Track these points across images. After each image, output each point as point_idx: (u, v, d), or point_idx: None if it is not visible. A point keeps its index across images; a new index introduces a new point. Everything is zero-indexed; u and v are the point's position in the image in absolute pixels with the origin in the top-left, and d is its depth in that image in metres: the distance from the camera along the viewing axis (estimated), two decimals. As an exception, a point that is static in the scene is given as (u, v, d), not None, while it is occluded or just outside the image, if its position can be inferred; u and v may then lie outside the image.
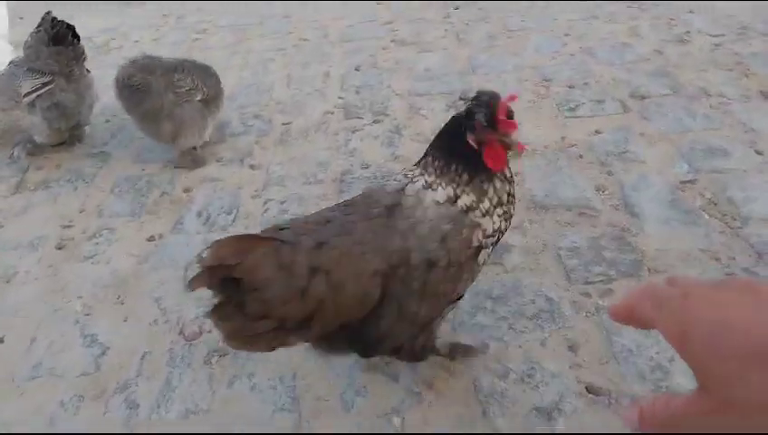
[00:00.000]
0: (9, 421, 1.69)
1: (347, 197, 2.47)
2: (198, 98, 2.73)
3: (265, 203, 2.51)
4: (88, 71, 2.97)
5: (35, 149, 3.01)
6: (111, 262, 2.25)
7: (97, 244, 2.36)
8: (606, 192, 2.36)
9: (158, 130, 2.72)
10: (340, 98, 3.25)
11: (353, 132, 2.93)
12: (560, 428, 1.54)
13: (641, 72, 3.16)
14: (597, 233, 2.16)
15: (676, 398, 0.49)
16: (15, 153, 2.99)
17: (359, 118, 3.05)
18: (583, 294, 1.92)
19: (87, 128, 3.14)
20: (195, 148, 2.81)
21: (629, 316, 0.55)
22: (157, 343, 1.89)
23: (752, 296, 0.46)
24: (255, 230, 2.32)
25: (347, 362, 1.76)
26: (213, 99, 2.81)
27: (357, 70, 3.53)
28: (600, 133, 2.72)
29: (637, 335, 1.76)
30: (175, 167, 2.80)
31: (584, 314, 1.85)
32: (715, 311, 0.46)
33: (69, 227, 2.48)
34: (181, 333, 1.91)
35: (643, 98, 2.93)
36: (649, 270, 1.98)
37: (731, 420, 0.41)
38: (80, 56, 2.89)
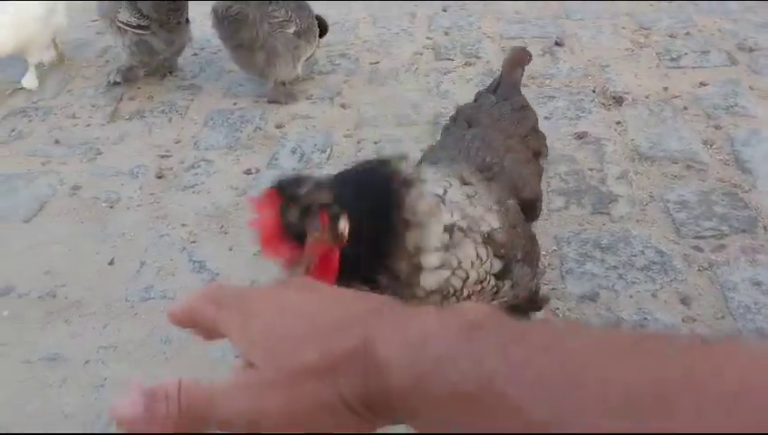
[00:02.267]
0: (127, 340, 1.75)
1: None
2: (292, 30, 2.71)
3: (359, 142, 2.50)
4: (188, 21, 3.00)
5: (129, 75, 3.05)
6: (211, 193, 2.28)
7: (196, 174, 2.39)
8: (714, 146, 2.28)
9: (252, 60, 2.73)
10: (428, 38, 3.20)
11: (444, 74, 2.88)
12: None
13: (748, 23, 3.01)
14: (706, 187, 2.09)
15: (200, 381, 0.45)
16: (111, 78, 3.05)
17: (449, 60, 2.99)
18: (694, 248, 1.87)
19: (180, 60, 3.16)
20: (284, 83, 2.80)
21: (190, 318, 0.50)
22: (262, 272, 1.92)
23: (309, 291, 0.48)
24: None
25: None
26: (305, 32, 2.78)
27: (444, 11, 3.45)
28: (705, 86, 2.62)
29: (754, 292, 1.72)
30: (268, 101, 2.80)
31: (696, 268, 1.81)
32: (273, 301, 0.47)
33: (166, 157, 2.51)
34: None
35: (751, 50, 2.80)
36: (765, 228, 1.92)
37: (279, 387, 0.41)
38: (180, 8, 2.91)
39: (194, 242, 2.06)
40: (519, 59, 1.70)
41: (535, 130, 1.58)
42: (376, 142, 2.49)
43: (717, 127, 2.36)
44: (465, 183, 1.11)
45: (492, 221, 1.10)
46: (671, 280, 1.78)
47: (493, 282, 1.11)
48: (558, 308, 1.70)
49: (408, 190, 0.92)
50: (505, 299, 1.19)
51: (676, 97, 2.56)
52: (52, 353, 1.73)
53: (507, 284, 1.16)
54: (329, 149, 2.48)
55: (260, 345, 0.44)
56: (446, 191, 1.04)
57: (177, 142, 2.60)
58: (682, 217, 1.98)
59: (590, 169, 2.19)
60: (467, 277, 1.04)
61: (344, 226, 0.81)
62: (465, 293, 1.06)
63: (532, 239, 1.30)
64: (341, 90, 2.87)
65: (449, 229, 1.00)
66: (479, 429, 0.37)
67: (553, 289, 1.74)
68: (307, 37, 2.82)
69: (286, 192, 0.79)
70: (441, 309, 0.42)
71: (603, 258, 1.85)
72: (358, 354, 0.40)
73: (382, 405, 0.40)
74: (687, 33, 2.99)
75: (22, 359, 1.72)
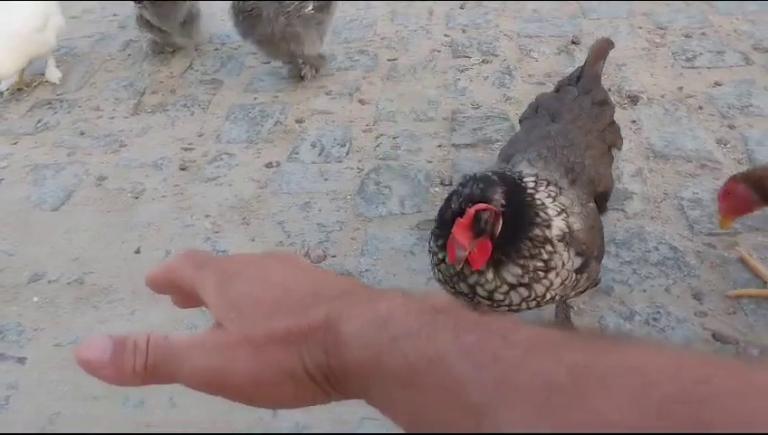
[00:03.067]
0: (153, 326, 1.80)
1: (459, 135, 2.50)
2: (309, 8, 2.76)
3: (377, 138, 2.55)
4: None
5: (157, 47, 3.27)
6: (234, 185, 2.34)
7: (218, 167, 2.45)
8: (728, 145, 2.31)
9: (277, 51, 2.80)
10: (446, 36, 3.23)
11: (462, 72, 2.92)
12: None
13: (765, 24, 3.03)
14: (720, 185, 2.12)
15: (169, 337, 0.45)
16: (145, 46, 3.29)
17: (466, 57, 3.03)
18: (707, 245, 1.91)
19: (198, 52, 3.24)
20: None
21: (168, 279, 0.51)
22: (284, 263, 1.97)
23: (290, 265, 0.49)
24: (369, 164, 2.38)
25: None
26: (323, 5, 2.83)
27: (461, 8, 3.49)
28: (720, 85, 2.64)
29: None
30: (302, 75, 2.89)
31: (709, 264, 1.85)
32: (255, 267, 0.48)
33: (189, 149, 2.57)
34: (307, 255, 1.99)
35: (767, 51, 2.82)
36: (776, 225, 1.95)
37: (245, 351, 0.42)
38: None
39: (217, 232, 2.11)
40: (602, 50, 1.77)
41: (611, 124, 1.67)
42: (394, 138, 2.54)
43: (731, 127, 2.39)
44: (561, 192, 1.30)
45: (575, 223, 1.27)
46: (684, 275, 1.81)
47: (574, 277, 1.28)
48: (573, 301, 1.74)
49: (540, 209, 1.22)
50: (581, 290, 1.38)
51: (691, 97, 2.59)
52: (82, 338, 1.79)
53: (584, 277, 1.32)
54: (348, 144, 2.53)
55: (233, 308, 0.45)
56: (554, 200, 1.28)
57: (199, 135, 2.65)
58: (695, 215, 2.01)
59: (606, 167, 2.22)
60: (551, 284, 1.25)
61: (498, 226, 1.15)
62: (549, 296, 1.27)
63: (602, 234, 1.44)
64: (360, 86, 2.92)
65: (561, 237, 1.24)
66: (423, 407, 0.38)
67: (568, 283, 1.78)
68: (327, 8, 2.86)
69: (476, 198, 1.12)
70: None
71: (618, 253, 1.89)
72: (321, 328, 0.41)
73: (340, 379, 0.41)
74: (703, 34, 3.02)
75: (53, 343, 1.79)
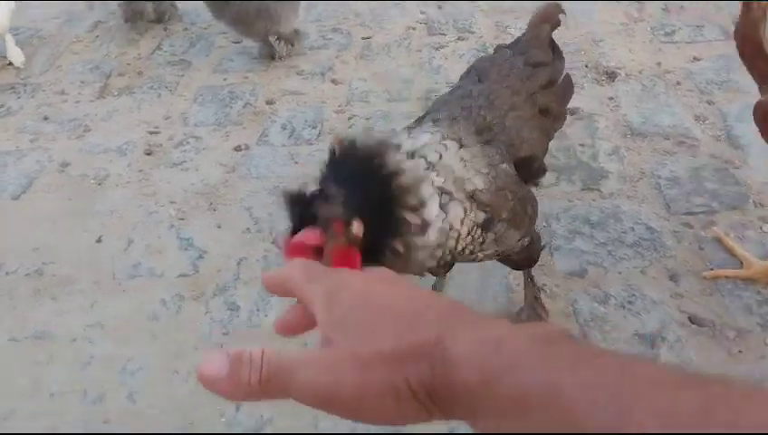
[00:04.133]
0: (114, 317, 1.74)
1: (434, 115, 2.43)
2: None
3: (350, 119, 2.48)
4: None
5: (134, 16, 3.23)
6: (200, 169, 2.27)
7: (185, 151, 2.37)
8: (706, 122, 2.26)
9: (251, 30, 2.73)
10: (421, 12, 3.15)
11: (437, 49, 2.85)
12: (663, 356, 1.52)
13: (744, -3, 2.97)
14: (697, 163, 2.08)
15: (281, 352, 0.45)
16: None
17: (442, 34, 2.96)
18: (684, 225, 1.86)
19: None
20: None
21: (281, 285, 0.53)
22: (251, 249, 1.91)
23: (391, 284, 0.50)
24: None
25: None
26: None
27: (438, -16, 3.40)
28: (698, 60, 2.59)
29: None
30: (276, 57, 2.82)
31: (686, 244, 1.80)
32: (363, 284, 0.50)
33: (155, 133, 2.49)
34: (274, 242, 1.93)
35: (747, 24, 2.76)
36: (755, 204, 1.91)
37: (353, 368, 0.43)
38: None
39: (182, 219, 2.04)
40: (547, 15, 1.65)
41: (547, 88, 1.53)
42: (367, 119, 2.47)
43: (710, 102, 2.35)
44: (462, 145, 1.21)
45: (478, 183, 1.19)
46: (660, 256, 1.77)
47: (479, 232, 1.20)
48: (546, 284, 1.70)
49: (400, 177, 0.99)
50: (490, 252, 1.30)
51: (669, 72, 2.53)
52: (39, 331, 1.72)
53: (490, 236, 1.24)
54: (319, 126, 2.46)
55: (339, 325, 0.46)
56: (441, 156, 1.16)
57: (166, 118, 2.57)
58: (673, 194, 1.97)
59: (581, 145, 2.17)
60: (459, 235, 1.16)
61: (358, 229, 0.87)
62: (460, 247, 1.18)
63: (523, 202, 1.34)
64: (333, 65, 2.84)
65: (440, 194, 1.11)
66: None
67: (542, 265, 1.72)
68: None
69: (299, 213, 0.87)
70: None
71: (592, 234, 1.85)
72: (430, 347, 0.42)
73: (445, 398, 0.42)
74: (682, 8, 2.96)
75: (9, 336, 1.72)
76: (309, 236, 0.75)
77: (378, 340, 0.44)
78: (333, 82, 2.73)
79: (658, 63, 2.60)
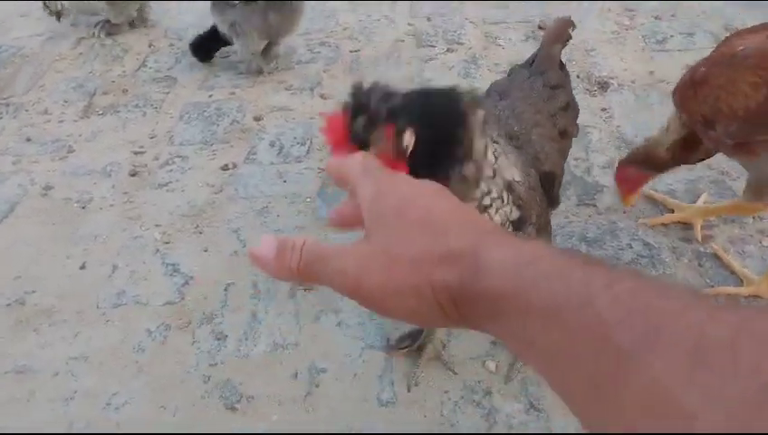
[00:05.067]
0: (98, 350, 1.69)
1: (424, 130, 2.38)
2: None
3: (339, 134, 2.43)
4: None
5: (113, 29, 3.25)
6: (186, 190, 2.21)
7: (170, 171, 2.32)
8: (702, 132, 2.22)
9: (262, 31, 2.74)
10: (410, 25, 3.11)
11: (426, 62, 2.81)
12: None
13: (734, 3, 2.94)
14: (693, 175, 2.04)
15: (320, 243, 0.50)
16: (96, 32, 3.25)
17: (431, 46, 2.91)
18: (683, 240, 1.82)
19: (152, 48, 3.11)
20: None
21: (339, 171, 0.56)
22: (239, 274, 1.86)
23: (440, 195, 0.51)
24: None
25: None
26: None
27: (426, -5, 3.37)
28: (692, 68, 2.55)
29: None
30: (265, 72, 2.82)
31: (685, 260, 1.76)
32: (412, 188, 0.51)
33: (140, 153, 2.44)
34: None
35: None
36: (754, 217, 1.87)
37: (380, 263, 0.46)
38: None
39: (167, 243, 1.99)
40: (560, 32, 1.63)
41: (565, 110, 1.55)
42: (356, 134, 2.42)
43: (705, 112, 2.30)
44: (494, 141, 1.14)
45: (515, 174, 1.17)
46: (659, 274, 1.73)
47: (511, 229, 1.18)
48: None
49: (474, 112, 0.95)
50: None
51: (663, 81, 2.50)
52: (20, 365, 1.67)
53: (525, 229, 1.23)
54: (308, 142, 2.41)
55: (379, 220, 0.49)
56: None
57: (151, 138, 2.52)
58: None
59: (575, 159, 2.13)
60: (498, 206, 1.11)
61: (409, 140, 0.82)
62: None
63: (547, 217, 1.37)
64: (321, 79, 2.79)
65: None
66: (564, 344, 0.38)
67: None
68: None
69: (355, 101, 0.83)
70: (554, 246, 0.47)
71: (589, 252, 1.80)
72: (464, 254, 0.44)
73: (468, 304, 0.44)
74: (673, 15, 2.92)
75: (-11, 372, 1.66)
76: (338, 118, 0.72)
77: (412, 242, 0.46)
78: (322, 96, 2.68)
79: (651, 72, 2.56)
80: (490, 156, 1.05)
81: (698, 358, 0.32)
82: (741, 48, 1.44)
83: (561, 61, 1.63)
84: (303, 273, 0.49)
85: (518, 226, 1.21)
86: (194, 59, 2.99)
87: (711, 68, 1.46)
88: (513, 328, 0.42)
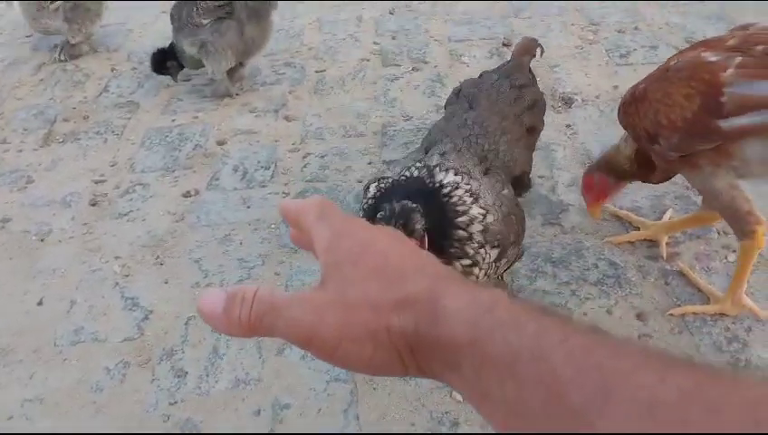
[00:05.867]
0: (54, 390, 1.63)
1: (390, 150, 2.37)
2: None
3: (305, 157, 2.40)
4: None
5: (73, 50, 3.24)
6: (147, 220, 2.16)
7: (131, 200, 2.27)
8: (666, 147, 2.22)
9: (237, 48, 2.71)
10: (375, 43, 3.10)
11: (392, 81, 2.79)
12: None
13: (696, 16, 2.97)
14: (659, 191, 2.04)
15: (274, 292, 0.48)
16: (57, 56, 3.23)
17: (396, 65, 2.90)
18: (649, 258, 1.81)
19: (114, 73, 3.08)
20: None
21: (294, 216, 0.55)
22: (201, 307, 1.81)
23: (396, 240, 0.51)
24: (295, 187, 2.24)
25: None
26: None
27: (391, 13, 3.36)
28: (655, 82, 2.56)
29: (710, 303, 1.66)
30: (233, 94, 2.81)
31: (652, 279, 1.75)
32: (368, 233, 0.51)
33: (101, 181, 2.38)
34: (225, 296, 1.83)
35: (700, 44, 2.76)
36: (719, 232, 1.87)
37: (336, 309, 0.45)
38: None
39: (127, 276, 1.94)
40: (527, 48, 1.87)
41: (531, 108, 1.69)
42: (323, 156, 2.40)
43: (669, 126, 2.31)
44: (472, 178, 1.34)
45: (489, 216, 1.30)
46: (626, 294, 1.71)
47: (494, 266, 1.34)
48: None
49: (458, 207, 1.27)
50: (503, 270, 1.48)
51: (627, 96, 2.50)
52: (-29, 412, 1.60)
53: (503, 262, 1.39)
54: (273, 166, 2.37)
55: (336, 267, 0.48)
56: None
57: (112, 165, 2.47)
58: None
59: (540, 177, 2.12)
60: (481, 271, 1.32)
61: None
62: (481, 277, 1.32)
63: (520, 219, 1.47)
64: (286, 101, 2.77)
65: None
66: (519, 398, 0.38)
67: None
68: None
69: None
70: (511, 292, 0.48)
71: (555, 273, 1.78)
72: (420, 300, 0.43)
73: (425, 351, 0.43)
74: (636, 28, 2.94)
75: (-62, 419, 1.60)
76: None
77: (369, 288, 0.45)
78: (287, 118, 2.65)
79: (615, 87, 2.57)
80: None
81: (646, 424, 0.32)
82: (674, 62, 1.50)
83: (530, 69, 1.81)
84: (255, 326, 0.47)
85: (498, 259, 1.34)
86: (157, 82, 2.95)
87: (649, 84, 1.51)
88: (468, 378, 0.41)
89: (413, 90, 2.71)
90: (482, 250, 1.28)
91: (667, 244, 1.83)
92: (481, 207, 1.29)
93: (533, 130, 1.71)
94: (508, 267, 1.49)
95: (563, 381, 0.36)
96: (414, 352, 0.43)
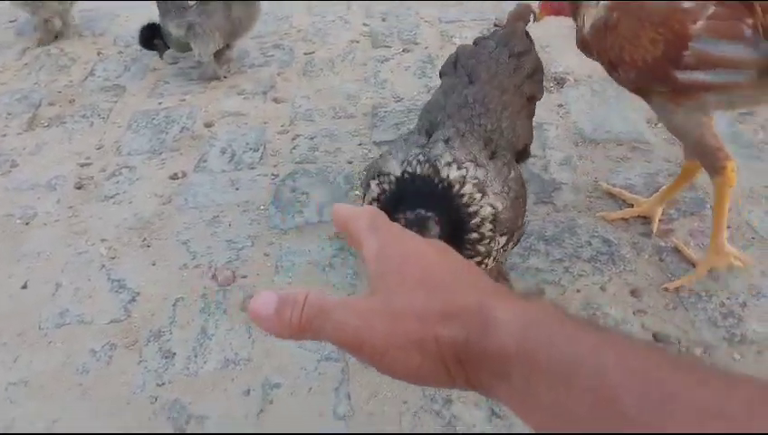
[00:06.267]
0: (39, 373, 1.60)
1: (381, 131, 2.34)
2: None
3: (294, 139, 2.37)
4: None
5: (48, 27, 3.19)
6: (134, 202, 2.13)
7: (117, 183, 2.23)
8: (659, 125, 2.20)
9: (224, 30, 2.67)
10: (365, 25, 3.06)
11: (382, 62, 2.76)
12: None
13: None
14: (652, 169, 2.02)
15: (324, 296, 0.49)
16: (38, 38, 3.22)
17: (386, 47, 2.87)
18: (642, 235, 1.79)
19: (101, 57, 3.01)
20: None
21: (345, 224, 0.56)
22: (188, 288, 1.78)
23: (443, 252, 0.52)
24: (284, 169, 2.20)
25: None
26: None
27: (382, -6, 3.32)
28: (647, 61, 2.54)
29: (705, 280, 1.64)
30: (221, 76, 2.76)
31: (646, 256, 1.73)
32: (417, 245, 0.52)
33: (87, 165, 2.34)
34: (214, 277, 1.80)
35: (693, 23, 2.73)
36: (713, 208, 1.84)
37: (383, 317, 0.46)
38: None
39: (114, 258, 1.90)
40: (521, 14, 1.81)
41: (530, 76, 1.65)
42: (312, 138, 2.36)
43: (661, 105, 2.29)
44: (479, 166, 1.28)
45: (497, 204, 1.27)
46: (620, 271, 1.69)
47: (502, 252, 1.34)
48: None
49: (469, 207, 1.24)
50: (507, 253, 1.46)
51: (619, 75, 2.47)
52: (-46, 395, 1.57)
53: (510, 246, 1.37)
54: (261, 148, 2.34)
55: (383, 278, 0.49)
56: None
57: (98, 148, 2.42)
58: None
59: (533, 156, 2.08)
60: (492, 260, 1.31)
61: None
62: (491, 264, 1.32)
63: (524, 200, 1.44)
64: (275, 83, 2.73)
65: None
66: (571, 409, 0.38)
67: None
68: None
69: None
70: (560, 307, 0.44)
71: (548, 251, 1.76)
72: (470, 311, 0.44)
73: (473, 362, 0.43)
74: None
75: None
76: None
77: (416, 298, 0.46)
78: (275, 100, 2.62)
79: (607, 67, 2.54)
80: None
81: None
82: (652, 2, 1.47)
83: (527, 33, 1.74)
84: (304, 328, 0.48)
85: (506, 245, 1.33)
86: (143, 66, 2.91)
87: (623, 17, 1.49)
88: (518, 388, 0.41)
89: (404, 71, 2.67)
90: (492, 243, 1.27)
91: (660, 220, 1.81)
92: (490, 204, 1.26)
93: (533, 99, 1.68)
94: (513, 247, 1.47)
95: (622, 396, 0.36)
96: (462, 363, 0.44)
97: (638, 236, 1.79)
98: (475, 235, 1.24)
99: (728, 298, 1.59)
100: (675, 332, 1.53)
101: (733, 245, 1.66)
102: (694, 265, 1.67)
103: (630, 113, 2.26)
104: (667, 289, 1.63)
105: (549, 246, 1.77)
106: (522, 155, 1.61)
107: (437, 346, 0.44)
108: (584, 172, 2.03)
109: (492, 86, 1.52)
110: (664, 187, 1.87)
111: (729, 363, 1.45)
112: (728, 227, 1.65)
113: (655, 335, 1.52)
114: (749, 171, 1.95)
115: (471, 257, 1.25)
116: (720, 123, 2.13)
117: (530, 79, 1.64)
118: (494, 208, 1.26)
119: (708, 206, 1.86)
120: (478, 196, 1.25)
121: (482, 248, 1.25)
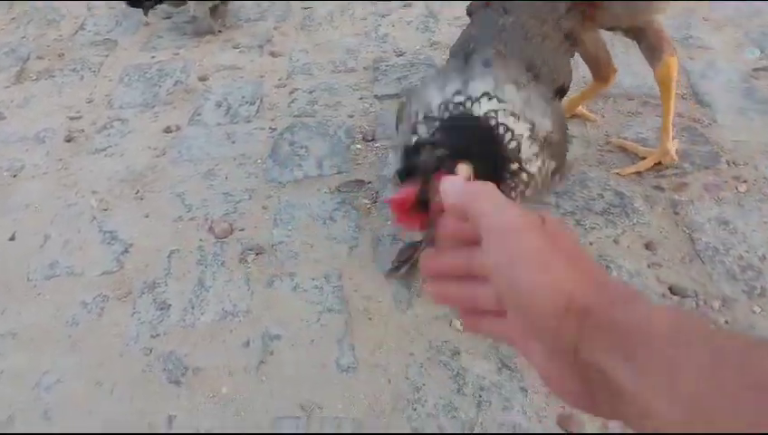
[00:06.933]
0: (28, 325, 1.53)
1: (382, 86, 2.25)
2: None
3: (292, 93, 2.28)
4: None
5: None
6: (126, 155, 2.04)
7: (109, 135, 2.14)
8: (670, 79, 2.12)
9: None
10: (364, -20, 2.95)
11: (383, 17, 2.66)
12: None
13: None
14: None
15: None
16: None
17: (387, 0, 2.77)
18: (656, 188, 1.73)
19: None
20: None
21: (463, 203, 0.50)
22: (184, 240, 1.71)
23: (559, 236, 0.48)
24: (282, 123, 2.12)
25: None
26: None
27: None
28: (658, 17, 2.45)
29: (721, 233, 1.58)
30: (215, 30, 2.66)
31: (660, 209, 1.67)
32: (530, 230, 0.48)
33: (77, 118, 2.25)
34: (210, 229, 1.73)
35: (704, -21, 2.65)
36: (728, 163, 1.78)
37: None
38: None
39: (105, 210, 1.83)
40: None
41: (569, 10, 1.50)
42: (311, 92, 2.28)
43: (673, 60, 2.21)
44: (520, 88, 1.20)
45: (547, 125, 1.21)
46: (633, 224, 1.63)
47: (549, 178, 1.27)
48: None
49: (503, 137, 1.14)
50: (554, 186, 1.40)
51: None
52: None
53: (557, 178, 1.32)
54: (258, 102, 2.25)
55: (504, 270, 0.46)
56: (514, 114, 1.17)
57: (89, 102, 2.33)
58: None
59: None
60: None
61: (467, 171, 0.93)
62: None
63: (566, 124, 1.38)
64: (272, 37, 2.63)
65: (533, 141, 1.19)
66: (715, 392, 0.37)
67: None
68: None
69: (407, 167, 0.79)
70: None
71: (558, 204, 1.69)
72: (606, 282, 0.45)
73: (593, 327, 0.42)
74: (637, -35, 2.82)
75: None
76: (407, 191, 0.64)
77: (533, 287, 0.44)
78: (272, 54, 2.52)
79: (616, 22, 2.46)
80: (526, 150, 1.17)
81: None
82: None
83: None
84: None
85: (555, 172, 1.28)
86: (136, 21, 2.81)
87: None
88: (648, 368, 0.40)
89: (405, 25, 2.58)
90: (540, 162, 1.20)
91: (673, 174, 1.75)
92: (529, 125, 1.18)
93: (570, 36, 1.53)
94: (561, 180, 1.41)
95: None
96: (579, 319, 0.42)
97: (650, 190, 1.72)
98: (513, 167, 1.17)
99: (747, 251, 1.53)
100: (691, 285, 1.47)
101: (751, 198, 1.61)
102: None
103: (640, 68, 2.18)
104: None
105: (559, 199, 1.70)
106: (561, 93, 1.50)
107: (567, 299, 0.43)
108: (594, 126, 1.96)
109: (529, 15, 1.42)
110: (677, 145, 1.82)
111: (749, 317, 1.40)
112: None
113: (671, 288, 1.46)
114: (766, 126, 1.89)
115: (513, 188, 1.18)
116: (734, 79, 2.07)
117: (569, 12, 1.50)
118: (531, 128, 1.18)
119: (723, 160, 1.79)
120: (511, 120, 1.17)
121: (525, 177, 1.18)
